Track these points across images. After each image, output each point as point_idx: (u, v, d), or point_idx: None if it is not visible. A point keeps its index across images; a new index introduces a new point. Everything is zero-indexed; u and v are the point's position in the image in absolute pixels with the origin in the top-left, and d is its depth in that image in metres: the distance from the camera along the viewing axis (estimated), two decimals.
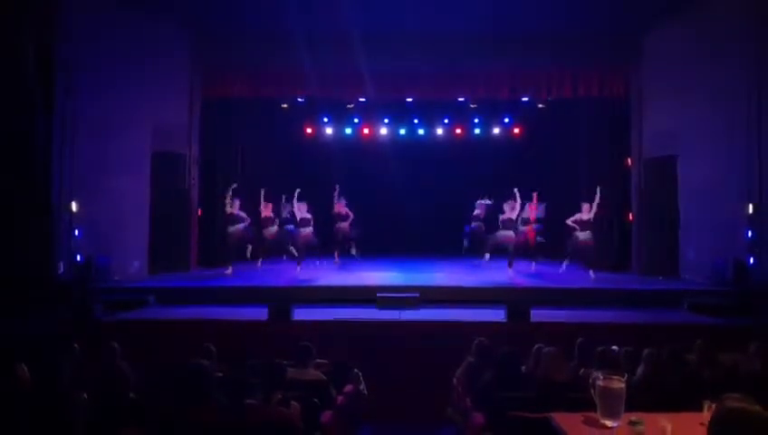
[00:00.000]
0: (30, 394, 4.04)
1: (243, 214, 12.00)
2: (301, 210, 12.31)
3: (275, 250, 12.83)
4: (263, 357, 5.27)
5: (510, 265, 12.15)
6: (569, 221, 11.73)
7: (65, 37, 9.89)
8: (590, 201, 11.58)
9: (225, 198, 11.90)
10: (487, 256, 12.71)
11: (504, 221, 12.22)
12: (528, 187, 14.21)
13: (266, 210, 12.37)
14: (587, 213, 11.51)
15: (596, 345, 5.33)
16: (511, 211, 12.19)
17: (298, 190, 12.53)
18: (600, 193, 11.55)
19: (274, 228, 12.45)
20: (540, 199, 12.83)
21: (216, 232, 13.28)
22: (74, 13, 10.09)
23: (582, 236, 11.58)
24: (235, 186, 11.98)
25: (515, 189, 12.30)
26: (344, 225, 13.18)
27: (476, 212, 13.51)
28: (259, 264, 12.65)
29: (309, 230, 12.31)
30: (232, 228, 11.96)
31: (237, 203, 11.92)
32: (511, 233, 12.15)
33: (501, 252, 12.37)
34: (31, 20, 9.54)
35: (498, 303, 8.92)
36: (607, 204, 11.76)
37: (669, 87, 11.94)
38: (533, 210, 12.54)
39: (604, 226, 12.96)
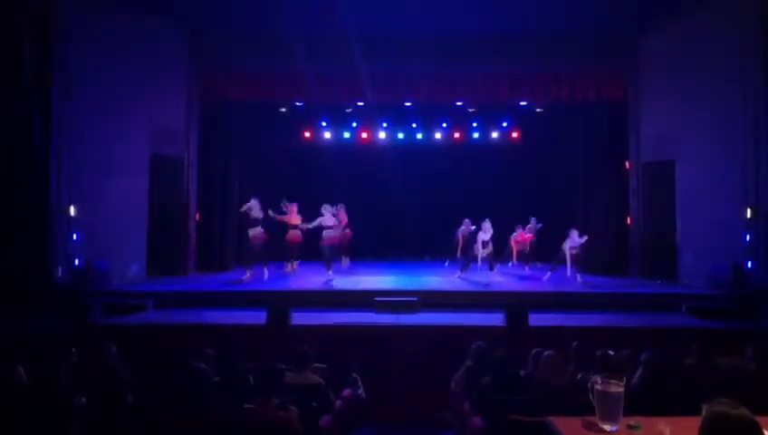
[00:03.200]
0: (28, 398, 4.04)
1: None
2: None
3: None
4: (261, 361, 5.26)
5: (491, 267, 12.28)
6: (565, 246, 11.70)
7: (63, 37, 9.88)
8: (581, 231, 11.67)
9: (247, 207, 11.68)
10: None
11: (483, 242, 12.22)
12: (525, 190, 14.32)
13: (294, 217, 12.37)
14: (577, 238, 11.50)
15: (594, 349, 5.33)
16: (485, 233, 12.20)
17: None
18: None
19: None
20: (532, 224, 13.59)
21: (215, 236, 13.30)
22: (72, 13, 10.08)
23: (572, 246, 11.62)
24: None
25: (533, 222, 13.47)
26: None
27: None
28: (294, 266, 12.64)
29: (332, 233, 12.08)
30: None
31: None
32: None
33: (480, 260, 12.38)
34: (27, 19, 9.52)
35: (496, 307, 8.91)
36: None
37: (667, 90, 11.97)
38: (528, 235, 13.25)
39: (602, 229, 13.01)
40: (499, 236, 12.67)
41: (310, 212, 12.42)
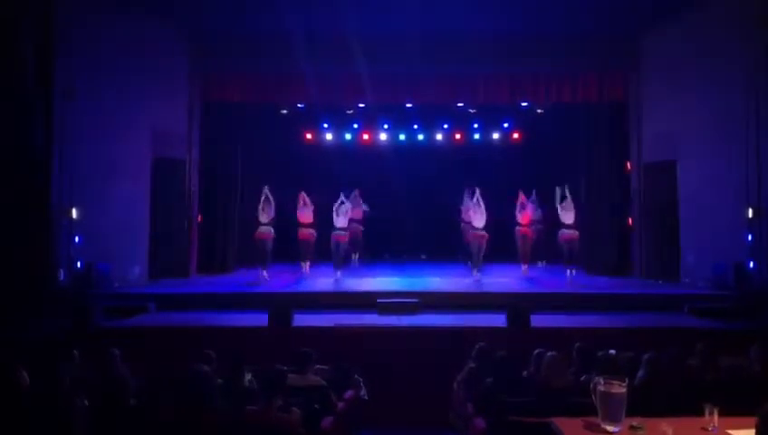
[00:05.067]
0: (31, 400, 4.04)
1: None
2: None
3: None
4: (263, 363, 5.27)
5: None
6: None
7: (64, 39, 9.86)
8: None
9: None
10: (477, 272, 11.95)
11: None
12: (526, 191, 14.28)
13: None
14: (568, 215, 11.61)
15: (596, 350, 5.33)
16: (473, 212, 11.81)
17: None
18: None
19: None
20: (530, 199, 13.04)
21: (217, 238, 13.31)
22: (73, 15, 10.06)
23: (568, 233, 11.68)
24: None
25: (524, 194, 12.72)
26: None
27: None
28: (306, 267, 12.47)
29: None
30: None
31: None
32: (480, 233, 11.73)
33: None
34: (29, 21, 9.51)
35: (498, 308, 8.91)
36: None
37: (668, 91, 11.95)
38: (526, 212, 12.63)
39: (604, 230, 13.02)
40: (499, 234, 12.59)
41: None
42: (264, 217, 11.68)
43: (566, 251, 11.79)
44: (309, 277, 12.05)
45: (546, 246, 13.30)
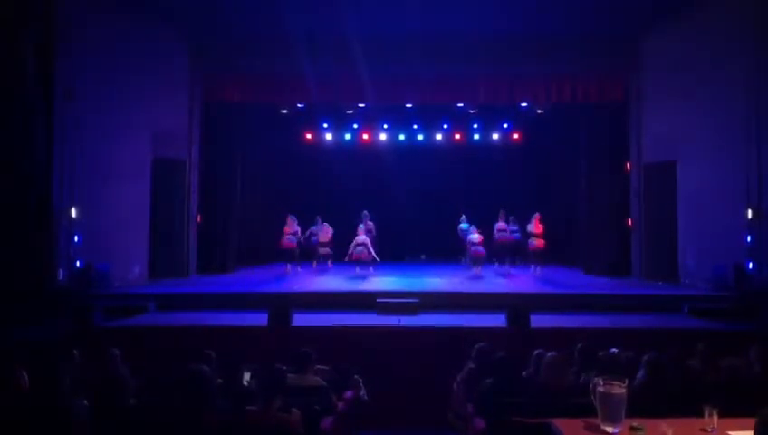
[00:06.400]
0: (30, 401, 4.04)
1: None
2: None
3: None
4: (263, 363, 5.27)
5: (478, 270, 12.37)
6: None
7: (64, 39, 9.86)
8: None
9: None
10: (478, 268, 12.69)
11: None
12: (526, 192, 14.37)
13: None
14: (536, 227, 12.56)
15: (597, 350, 5.32)
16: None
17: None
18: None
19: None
20: (508, 215, 13.74)
21: (217, 238, 13.32)
22: (73, 15, 10.07)
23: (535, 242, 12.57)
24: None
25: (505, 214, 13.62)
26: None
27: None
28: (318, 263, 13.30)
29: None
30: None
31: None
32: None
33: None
34: (29, 21, 9.51)
35: (498, 308, 8.91)
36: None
37: (668, 92, 11.95)
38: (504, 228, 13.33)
39: (604, 230, 13.03)
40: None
41: (308, 218, 12.94)
42: (288, 229, 12.74)
43: (533, 256, 12.80)
44: (305, 278, 12.09)
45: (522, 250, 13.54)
